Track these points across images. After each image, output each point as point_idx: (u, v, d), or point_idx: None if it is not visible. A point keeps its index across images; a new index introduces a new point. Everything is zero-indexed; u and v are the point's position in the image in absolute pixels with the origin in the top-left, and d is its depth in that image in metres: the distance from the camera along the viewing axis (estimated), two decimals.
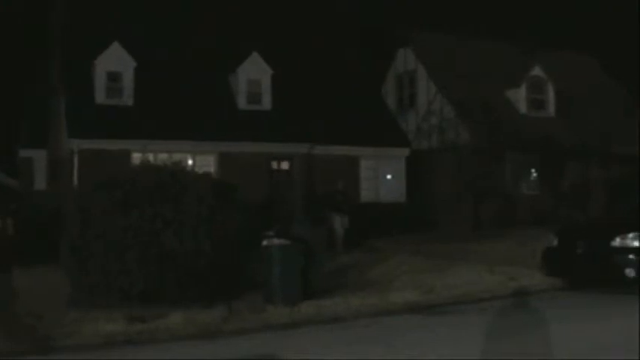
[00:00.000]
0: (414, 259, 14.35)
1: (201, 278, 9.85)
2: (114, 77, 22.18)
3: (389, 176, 24.26)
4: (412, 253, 15.37)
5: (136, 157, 19.35)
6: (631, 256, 10.13)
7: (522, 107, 26.20)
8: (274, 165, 23.28)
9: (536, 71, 26.52)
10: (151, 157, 18.72)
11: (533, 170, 24.76)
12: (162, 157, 19.09)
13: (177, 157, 17.10)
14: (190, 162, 20.41)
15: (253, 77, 23.91)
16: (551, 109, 26.64)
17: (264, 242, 10.10)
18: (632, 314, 8.79)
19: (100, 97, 21.80)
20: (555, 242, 11.45)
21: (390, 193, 23.94)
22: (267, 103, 23.88)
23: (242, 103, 23.69)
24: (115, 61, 22.11)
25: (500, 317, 9.20)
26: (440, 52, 26.47)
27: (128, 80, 22.23)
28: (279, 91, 23.85)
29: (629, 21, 34.31)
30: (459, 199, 22.35)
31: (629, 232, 10.36)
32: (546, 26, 34.25)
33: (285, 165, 23.42)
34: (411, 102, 27.17)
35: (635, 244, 10.17)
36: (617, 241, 10.34)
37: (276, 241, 10.06)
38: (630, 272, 10.03)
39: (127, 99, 22.02)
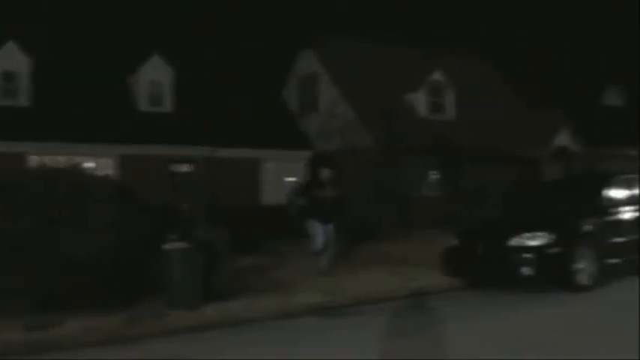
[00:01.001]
0: (315, 260, 14.40)
1: (103, 283, 9.65)
2: (9, 77, 21.53)
3: (291, 179, 24.36)
4: (313, 255, 15.42)
5: (33, 160, 18.79)
6: (527, 255, 10.41)
7: (423, 110, 26.76)
8: (176, 168, 23.05)
9: (437, 75, 27.14)
10: (48, 160, 18.22)
11: (433, 172, 25.32)
12: (61, 159, 18.62)
13: (76, 159, 16.72)
14: (90, 165, 19.96)
15: (154, 79, 23.64)
16: (451, 112, 27.30)
17: (166, 246, 9.97)
18: (526, 311, 9.18)
19: None
20: (455, 243, 11.73)
21: None
22: (168, 105, 23.64)
23: (143, 104, 23.41)
24: (10, 60, 21.46)
25: (398, 317, 9.36)
26: (342, 54, 26.73)
27: (24, 80, 21.61)
28: (181, 93, 23.65)
29: (523, 26, 35.53)
30: (363, 202, 22.60)
31: (524, 231, 10.72)
32: (447, 30, 35.10)
33: (187, 168, 23.22)
34: (314, 104, 27.33)
35: (531, 243, 10.50)
36: (513, 241, 10.64)
37: (177, 244, 9.93)
38: (526, 271, 10.34)
39: (23, 100, 21.40)
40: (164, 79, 23.63)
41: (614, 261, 11.04)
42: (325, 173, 13.48)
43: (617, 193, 11.98)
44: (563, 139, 29.22)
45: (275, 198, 23.73)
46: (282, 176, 24.41)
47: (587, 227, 11.02)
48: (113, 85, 23.09)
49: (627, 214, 11.77)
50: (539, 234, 10.54)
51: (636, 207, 11.96)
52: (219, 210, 17.41)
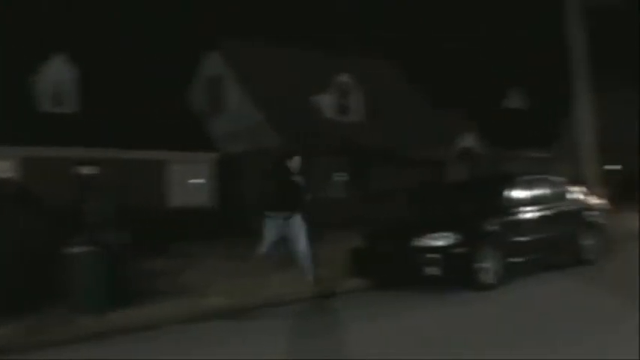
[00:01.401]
0: (227, 263, 14.30)
1: (3, 291, 9.30)
2: None
3: (197, 180, 24.13)
4: (225, 257, 15.31)
5: None
6: (432, 255, 10.55)
7: (330, 112, 26.92)
8: (81, 170, 22.50)
9: (344, 77, 27.36)
10: None
11: (341, 174, 25.50)
12: None
13: None
14: None
15: (58, 79, 23.00)
16: (357, 113, 27.55)
17: (69, 250, 9.68)
18: (431, 311, 9.32)
19: None
20: (361, 244, 11.83)
21: (199, 197, 23.82)
22: (72, 106, 23.04)
23: (46, 105, 22.71)
24: None
25: (304, 319, 9.37)
26: (249, 56, 26.63)
27: None
28: (86, 94, 23.10)
29: (429, 27, 36.14)
30: None
31: (429, 232, 10.87)
32: (354, 32, 35.38)
33: (92, 170, 22.69)
34: (220, 106, 27.14)
35: (436, 243, 10.66)
36: (418, 241, 10.79)
37: (82, 248, 9.65)
38: (432, 270, 10.49)
39: None
40: (67, 79, 23.05)
41: (517, 260, 11.32)
42: (295, 162, 11.90)
43: (520, 194, 12.32)
44: (467, 140, 29.91)
45: (181, 200, 23.47)
46: (188, 178, 24.16)
47: (491, 227, 11.23)
48: (15, 84, 22.35)
49: (530, 214, 12.12)
50: (444, 234, 10.68)
51: (539, 207, 12.36)
52: (125, 213, 17.00)
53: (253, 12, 35.48)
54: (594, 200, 14.23)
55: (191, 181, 24.08)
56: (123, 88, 24.52)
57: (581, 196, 13.74)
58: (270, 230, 11.48)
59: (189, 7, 34.85)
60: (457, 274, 10.66)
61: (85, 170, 22.57)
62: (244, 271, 12.86)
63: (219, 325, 9.18)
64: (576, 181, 15.04)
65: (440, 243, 10.59)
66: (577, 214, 13.14)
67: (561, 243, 12.53)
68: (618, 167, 33.75)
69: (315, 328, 8.68)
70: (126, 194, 20.78)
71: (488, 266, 10.76)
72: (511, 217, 11.71)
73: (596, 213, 13.77)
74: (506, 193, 12.08)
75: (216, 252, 16.31)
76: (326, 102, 26.96)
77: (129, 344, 8.30)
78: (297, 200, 11.52)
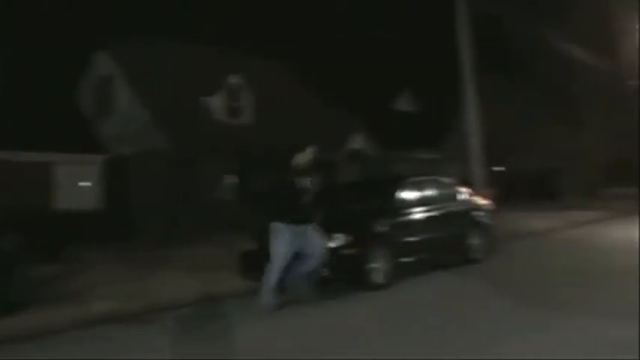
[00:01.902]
0: (118, 267, 13.98)
1: None
2: None
3: (85, 183, 23.45)
4: (116, 261, 14.98)
5: None
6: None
7: (220, 113, 26.68)
8: None
9: (235, 78, 27.17)
10: None
11: (232, 176, 25.29)
12: None
13: None
14: None
15: None
16: (248, 115, 27.41)
17: None
18: (322, 312, 9.31)
19: None
20: (252, 246, 11.72)
21: (87, 200, 23.16)
22: None
23: None
24: None
25: (194, 322, 9.24)
26: (139, 56, 26.07)
27: None
28: None
29: (321, 30, 36.35)
30: (160, 206, 22.16)
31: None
32: (245, 32, 35.22)
33: None
34: (110, 107, 26.47)
35: (327, 244, 10.72)
36: None
37: None
38: (325, 272, 10.52)
39: None
40: None
41: (407, 260, 11.48)
42: (306, 156, 10.22)
43: (409, 195, 12.52)
44: (358, 141, 30.23)
45: (70, 203, 22.74)
46: (77, 181, 23.44)
47: (381, 228, 11.35)
48: None
49: (419, 214, 12.32)
50: (334, 235, 10.71)
51: (427, 208, 12.58)
52: (11, 216, 16.38)
53: (144, 11, 34.80)
54: (481, 201, 14.62)
55: (80, 184, 23.36)
56: (8, 88, 23.56)
57: (469, 197, 14.08)
58: (284, 245, 9.73)
59: (79, 5, 33.84)
60: (348, 275, 10.70)
61: None
62: (134, 275, 12.58)
63: (108, 330, 8.94)
64: (464, 182, 15.43)
65: (331, 244, 10.59)
66: (464, 214, 13.47)
67: (449, 242, 12.82)
68: (502, 168, 34.95)
69: (207, 331, 8.57)
70: (12, 197, 19.97)
71: (378, 266, 10.87)
72: (400, 218, 11.88)
73: (482, 213, 14.15)
74: (395, 194, 12.25)
75: (106, 256, 15.93)
76: (216, 103, 26.70)
77: (14, 353, 7.99)
78: (311, 205, 10.02)
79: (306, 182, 9.95)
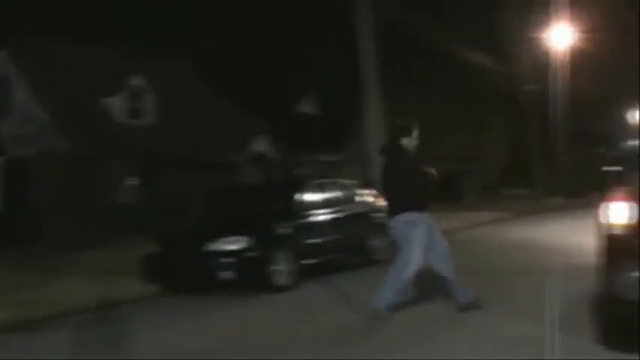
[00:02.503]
0: (18, 274, 13.49)
1: None
2: None
3: None
4: (15, 267, 14.45)
5: None
6: (226, 259, 10.52)
7: (121, 115, 26.20)
8: None
9: (137, 80, 26.72)
10: None
11: (134, 178, 24.81)
12: None
13: None
14: None
15: None
16: (150, 117, 26.98)
17: None
18: (225, 315, 9.27)
19: None
20: (155, 249, 11.55)
21: None
22: None
23: None
24: None
25: (94, 328, 9.05)
26: (38, 56, 25.35)
27: None
28: None
29: (225, 32, 36.12)
30: (61, 209, 21.56)
31: (223, 236, 10.82)
32: (148, 33, 34.61)
33: None
34: (7, 107, 25.61)
35: (229, 247, 10.63)
36: (212, 245, 10.71)
37: None
38: (226, 274, 10.43)
39: None
40: None
41: (311, 261, 11.53)
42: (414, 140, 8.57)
43: (312, 197, 12.58)
44: (260, 144, 30.16)
45: None
46: None
47: (284, 230, 11.39)
48: None
49: (322, 216, 12.40)
50: (237, 238, 10.69)
51: (331, 210, 12.66)
52: None
53: (45, 10, 33.80)
54: (378, 201, 14.71)
55: None
56: None
57: (372, 199, 14.18)
58: (425, 237, 8.30)
59: None
60: (251, 278, 10.68)
61: None
62: (34, 281, 12.20)
63: (5, 339, 8.63)
64: (367, 184, 15.57)
65: (233, 247, 10.57)
66: (367, 215, 13.57)
67: (352, 244, 12.94)
68: None
69: (107, 336, 8.40)
70: None
71: (281, 268, 10.89)
72: (303, 220, 11.95)
73: (381, 214, 14.25)
74: (298, 196, 12.30)
75: (5, 262, 15.36)
76: (117, 104, 26.18)
77: None
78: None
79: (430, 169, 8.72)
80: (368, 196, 14.21)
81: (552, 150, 38.11)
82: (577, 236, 14.97)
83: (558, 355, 6.28)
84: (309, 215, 12.13)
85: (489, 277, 11.04)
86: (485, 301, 8.52)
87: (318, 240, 11.93)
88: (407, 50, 32.59)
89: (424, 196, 8.35)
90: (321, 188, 12.99)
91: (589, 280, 7.30)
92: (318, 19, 34.06)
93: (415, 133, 8.51)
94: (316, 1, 31.69)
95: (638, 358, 5.89)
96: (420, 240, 8.14)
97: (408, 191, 8.15)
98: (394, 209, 8.28)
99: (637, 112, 38.96)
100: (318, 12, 33.13)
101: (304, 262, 11.34)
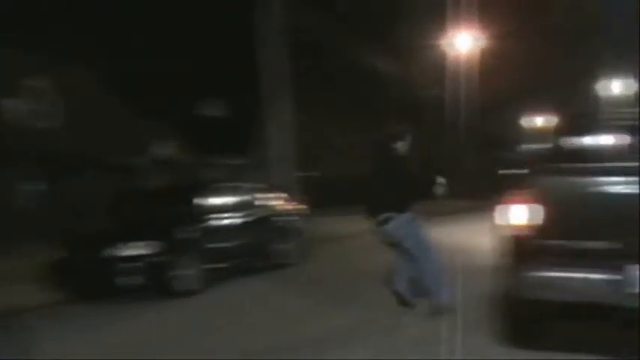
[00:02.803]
0: None
1: None
2: None
3: None
4: None
5: None
6: (129, 265, 10.35)
7: (22, 117, 25.40)
8: None
9: (38, 81, 26.00)
10: None
11: (33, 182, 24.10)
12: None
13: None
14: None
15: None
16: (53, 120, 26.25)
17: None
18: (130, 321, 9.06)
19: None
20: (59, 255, 11.20)
21: None
22: None
23: None
24: None
25: None
26: None
27: None
28: None
29: (137, 34, 35.46)
30: None
31: (127, 241, 10.60)
32: (54, 35, 33.60)
33: None
34: None
35: (133, 252, 10.44)
36: (113, 251, 10.50)
37: None
38: (130, 280, 10.26)
39: None
40: None
41: (217, 265, 11.42)
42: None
43: (217, 201, 12.45)
44: (166, 147, 29.74)
45: None
46: None
47: (189, 235, 11.28)
48: None
49: (227, 220, 12.29)
50: (141, 243, 10.52)
51: (236, 213, 12.55)
52: None
53: None
54: (291, 205, 14.72)
55: None
56: None
57: (279, 202, 14.17)
58: (421, 230, 8.50)
59: None
60: (156, 282, 10.49)
61: None
62: None
63: None
64: (274, 187, 15.52)
65: (136, 252, 10.38)
66: (275, 219, 13.53)
67: (260, 248, 12.86)
68: (318, 173, 35.60)
69: (9, 344, 8.05)
70: None
71: (187, 273, 10.78)
72: (209, 224, 11.83)
73: (295, 218, 14.27)
74: (202, 200, 12.14)
75: None
76: (16, 106, 25.32)
77: None
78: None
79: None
80: (274, 200, 14.17)
81: (457, 153, 38.93)
82: (477, 237, 15.29)
83: (460, 355, 6.37)
84: (213, 219, 11.99)
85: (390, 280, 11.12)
86: (386, 303, 8.60)
87: (224, 244, 11.82)
88: (311, 57, 32.75)
89: (412, 198, 8.44)
90: (226, 192, 12.88)
91: (488, 281, 7.43)
92: (223, 22, 33.81)
93: (409, 138, 8.66)
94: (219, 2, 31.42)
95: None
96: (420, 230, 8.33)
97: (397, 192, 8.19)
98: (386, 210, 8.23)
99: (533, 117, 40.20)
100: (221, 14, 32.86)
101: (210, 266, 11.23)
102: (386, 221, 8.15)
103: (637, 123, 8.20)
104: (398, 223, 8.14)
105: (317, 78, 33.35)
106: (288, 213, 14.20)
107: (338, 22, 30.22)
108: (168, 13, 34.28)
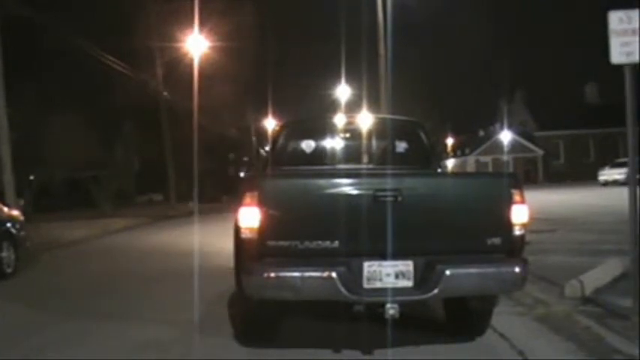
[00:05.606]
0: None
1: None
2: None
3: None
4: None
5: None
6: None
7: None
8: None
9: None
10: None
11: None
12: None
13: None
14: None
15: None
16: None
17: None
18: None
19: None
20: None
21: None
22: None
23: None
24: None
25: None
26: None
27: None
28: None
29: None
30: None
31: None
32: None
33: None
34: None
35: None
36: None
37: None
38: None
39: None
40: None
41: None
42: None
43: None
44: None
45: None
46: None
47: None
48: None
49: None
50: None
51: None
52: None
53: None
54: (8, 211, 13.65)
55: None
56: None
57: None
58: None
59: None
60: None
61: None
62: None
63: None
64: None
65: None
66: None
67: None
68: (32, 177, 33.86)
69: None
70: None
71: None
72: None
73: (10, 224, 13.18)
74: None
75: None
76: None
77: None
78: None
79: None
80: None
81: (187, 156, 38.89)
82: (212, 239, 15.37)
83: (198, 355, 6.36)
84: None
85: (127, 284, 10.84)
86: (124, 308, 8.38)
87: None
88: (33, 52, 31.15)
89: None
90: None
91: (226, 282, 7.41)
92: None
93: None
94: None
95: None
96: None
97: None
98: None
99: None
100: None
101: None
102: None
103: (352, 128, 8.72)
104: None
105: (36, 72, 31.79)
106: (7, 220, 13.13)
107: (66, 19, 28.94)
108: None
